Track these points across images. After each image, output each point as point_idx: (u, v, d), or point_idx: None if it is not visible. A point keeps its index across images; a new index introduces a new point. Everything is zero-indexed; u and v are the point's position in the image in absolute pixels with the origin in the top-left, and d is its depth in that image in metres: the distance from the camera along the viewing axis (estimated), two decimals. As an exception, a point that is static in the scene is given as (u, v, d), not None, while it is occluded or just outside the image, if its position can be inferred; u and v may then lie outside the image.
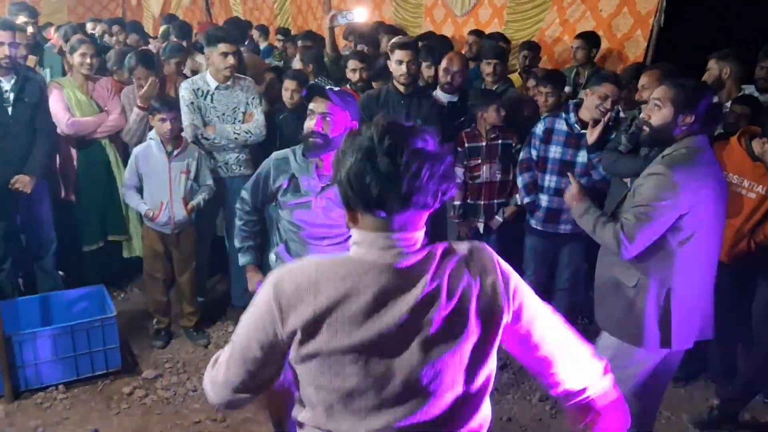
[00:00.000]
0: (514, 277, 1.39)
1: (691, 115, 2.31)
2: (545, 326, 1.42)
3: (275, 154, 2.68)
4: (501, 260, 1.39)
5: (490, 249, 1.40)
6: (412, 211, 1.25)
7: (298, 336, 1.29)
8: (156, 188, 3.77)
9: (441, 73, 4.12)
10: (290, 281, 1.30)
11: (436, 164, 1.22)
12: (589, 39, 4.74)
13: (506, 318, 1.36)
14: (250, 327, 1.35)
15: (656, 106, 2.38)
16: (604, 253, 2.59)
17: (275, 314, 1.29)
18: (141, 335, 4.07)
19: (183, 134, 3.82)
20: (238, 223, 2.86)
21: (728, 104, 3.64)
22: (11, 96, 3.76)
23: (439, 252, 1.32)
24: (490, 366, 1.38)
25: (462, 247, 1.36)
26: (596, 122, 3.41)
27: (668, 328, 2.40)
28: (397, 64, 3.72)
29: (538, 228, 3.72)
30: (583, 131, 3.51)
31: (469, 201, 3.89)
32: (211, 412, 3.36)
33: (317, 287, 1.27)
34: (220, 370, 1.42)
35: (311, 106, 2.46)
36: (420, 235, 1.31)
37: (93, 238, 4.37)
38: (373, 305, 1.26)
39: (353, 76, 4.31)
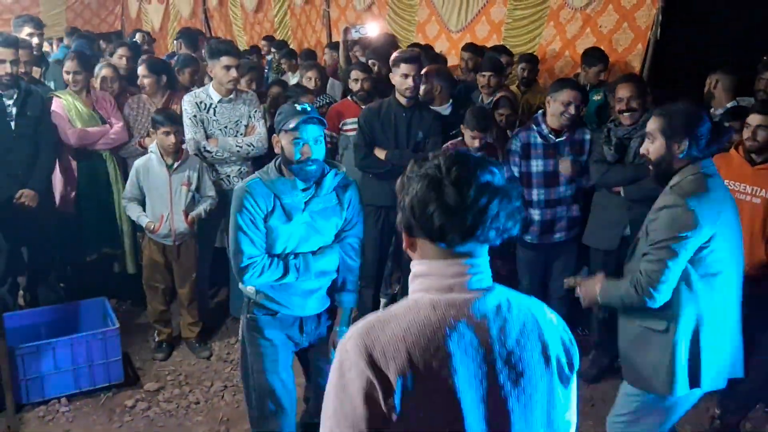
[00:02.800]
0: None
1: (683, 141, 2.21)
2: None
3: (241, 189, 2.46)
4: None
5: None
6: (474, 244, 1.22)
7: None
8: (157, 201, 3.79)
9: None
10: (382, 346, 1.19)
11: (505, 200, 1.19)
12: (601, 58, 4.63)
13: None
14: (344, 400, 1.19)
15: (649, 140, 2.30)
16: (624, 310, 2.42)
17: (376, 387, 1.16)
18: (143, 348, 4.07)
19: (184, 146, 3.84)
20: (263, 276, 2.49)
21: (719, 111, 3.68)
22: (14, 111, 3.78)
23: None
24: None
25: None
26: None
27: (698, 369, 2.28)
28: (403, 77, 3.74)
29: (534, 242, 3.71)
30: (558, 140, 3.55)
31: None
32: (214, 424, 3.36)
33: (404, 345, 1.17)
34: None
35: (301, 132, 2.39)
36: (485, 262, 1.27)
37: (88, 250, 4.37)
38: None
39: (355, 86, 4.35)
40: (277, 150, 2.52)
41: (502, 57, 4.78)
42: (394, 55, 3.88)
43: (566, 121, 3.48)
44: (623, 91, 3.39)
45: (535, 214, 3.65)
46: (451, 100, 4.35)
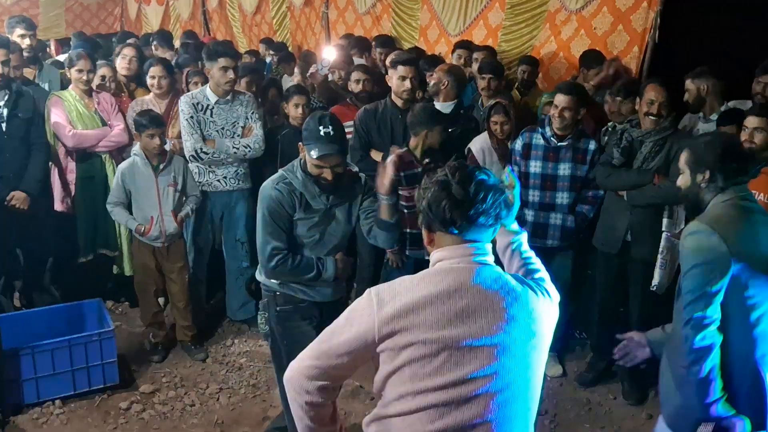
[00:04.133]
0: None
1: (705, 172, 2.15)
2: None
3: (273, 186, 2.59)
4: None
5: None
6: (478, 228, 1.55)
7: (394, 325, 1.50)
8: (145, 203, 3.79)
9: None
10: (389, 287, 1.57)
11: (497, 194, 1.55)
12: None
13: None
14: (343, 322, 1.58)
15: (681, 173, 2.26)
16: (669, 349, 2.22)
17: (373, 305, 1.52)
18: (138, 350, 4.05)
19: (167, 147, 3.86)
20: (290, 269, 2.62)
21: (713, 116, 3.66)
22: (4, 112, 3.78)
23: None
24: None
25: None
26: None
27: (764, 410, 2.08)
28: (400, 80, 3.75)
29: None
30: (560, 144, 3.55)
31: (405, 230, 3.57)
32: (209, 427, 3.35)
33: (414, 286, 1.54)
34: (305, 358, 1.62)
35: (323, 160, 2.49)
36: (487, 247, 1.60)
37: (84, 251, 4.36)
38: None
39: (356, 87, 4.35)
40: (301, 155, 2.61)
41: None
42: (392, 56, 3.89)
43: (559, 125, 3.49)
44: (653, 94, 3.30)
45: (529, 215, 3.65)
46: (456, 100, 4.34)
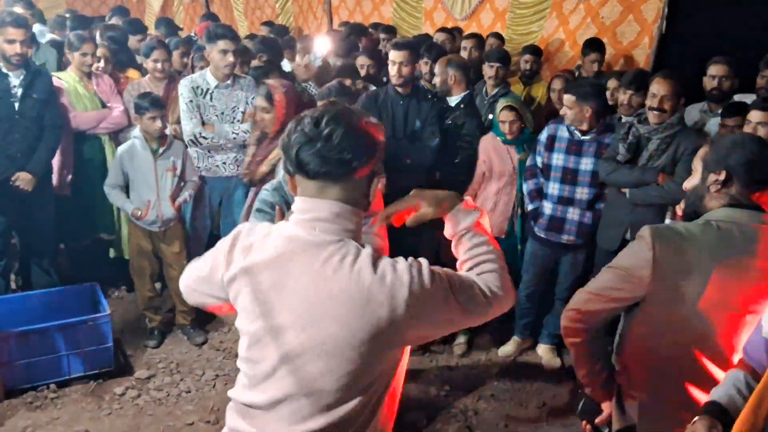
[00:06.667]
0: None
1: (721, 173, 1.75)
2: None
3: (270, 192, 2.50)
4: None
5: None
6: (329, 175, 1.38)
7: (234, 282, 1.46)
8: (142, 187, 3.75)
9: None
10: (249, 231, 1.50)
11: (352, 134, 1.36)
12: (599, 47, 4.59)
13: None
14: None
15: (692, 171, 1.88)
16: None
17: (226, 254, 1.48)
18: (134, 335, 4.03)
19: (167, 131, 3.82)
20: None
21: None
22: (19, 91, 3.72)
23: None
24: None
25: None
26: None
27: None
28: (392, 64, 3.72)
29: (541, 235, 3.67)
30: (583, 138, 3.49)
31: None
32: (204, 413, 3.33)
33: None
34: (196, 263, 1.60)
35: None
36: (335, 207, 1.41)
37: (82, 234, 4.32)
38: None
39: (361, 72, 4.34)
40: None
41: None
42: (391, 42, 3.87)
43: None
44: (658, 87, 3.19)
45: (547, 207, 3.61)
46: (467, 91, 4.27)
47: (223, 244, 1.51)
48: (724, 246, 1.70)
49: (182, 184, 3.88)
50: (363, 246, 1.41)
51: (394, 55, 3.70)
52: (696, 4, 4.42)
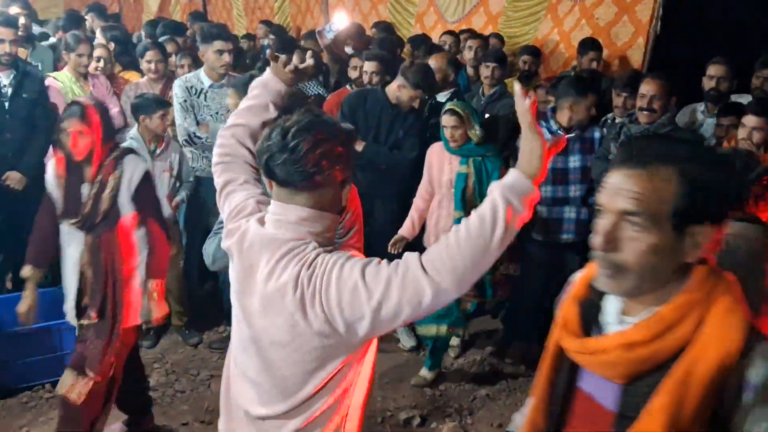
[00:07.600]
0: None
1: None
2: None
3: None
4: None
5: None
6: (293, 187, 1.42)
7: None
8: None
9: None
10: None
11: (320, 146, 1.38)
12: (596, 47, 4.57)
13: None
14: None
15: None
16: None
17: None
18: (130, 335, 4.03)
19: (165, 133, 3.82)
20: None
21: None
22: (9, 91, 3.73)
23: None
24: None
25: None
26: None
27: None
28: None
29: (539, 239, 3.61)
30: (568, 135, 3.43)
31: None
32: (199, 413, 3.33)
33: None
34: None
35: None
36: (301, 212, 1.43)
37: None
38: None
39: (354, 74, 4.41)
40: None
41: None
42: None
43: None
44: (647, 88, 3.21)
45: (542, 211, 3.54)
46: (453, 89, 4.29)
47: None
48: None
49: (178, 185, 3.88)
50: (326, 246, 1.44)
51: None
52: (691, 5, 4.43)
